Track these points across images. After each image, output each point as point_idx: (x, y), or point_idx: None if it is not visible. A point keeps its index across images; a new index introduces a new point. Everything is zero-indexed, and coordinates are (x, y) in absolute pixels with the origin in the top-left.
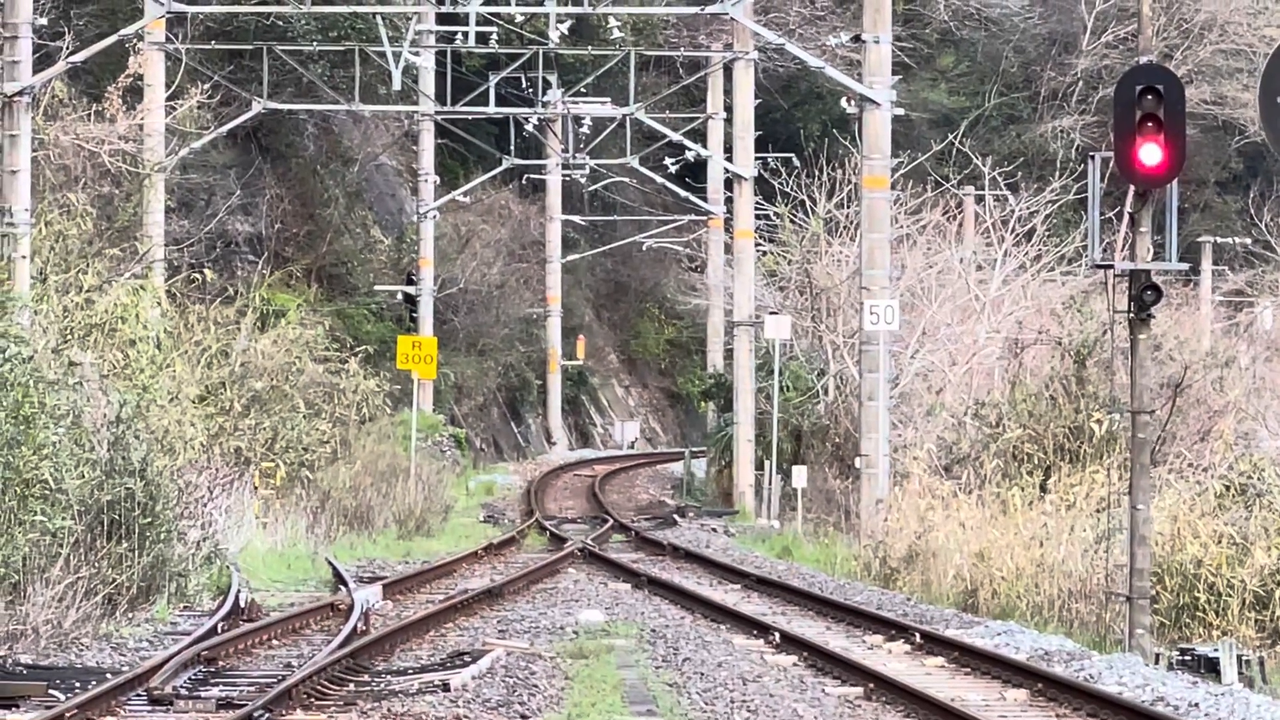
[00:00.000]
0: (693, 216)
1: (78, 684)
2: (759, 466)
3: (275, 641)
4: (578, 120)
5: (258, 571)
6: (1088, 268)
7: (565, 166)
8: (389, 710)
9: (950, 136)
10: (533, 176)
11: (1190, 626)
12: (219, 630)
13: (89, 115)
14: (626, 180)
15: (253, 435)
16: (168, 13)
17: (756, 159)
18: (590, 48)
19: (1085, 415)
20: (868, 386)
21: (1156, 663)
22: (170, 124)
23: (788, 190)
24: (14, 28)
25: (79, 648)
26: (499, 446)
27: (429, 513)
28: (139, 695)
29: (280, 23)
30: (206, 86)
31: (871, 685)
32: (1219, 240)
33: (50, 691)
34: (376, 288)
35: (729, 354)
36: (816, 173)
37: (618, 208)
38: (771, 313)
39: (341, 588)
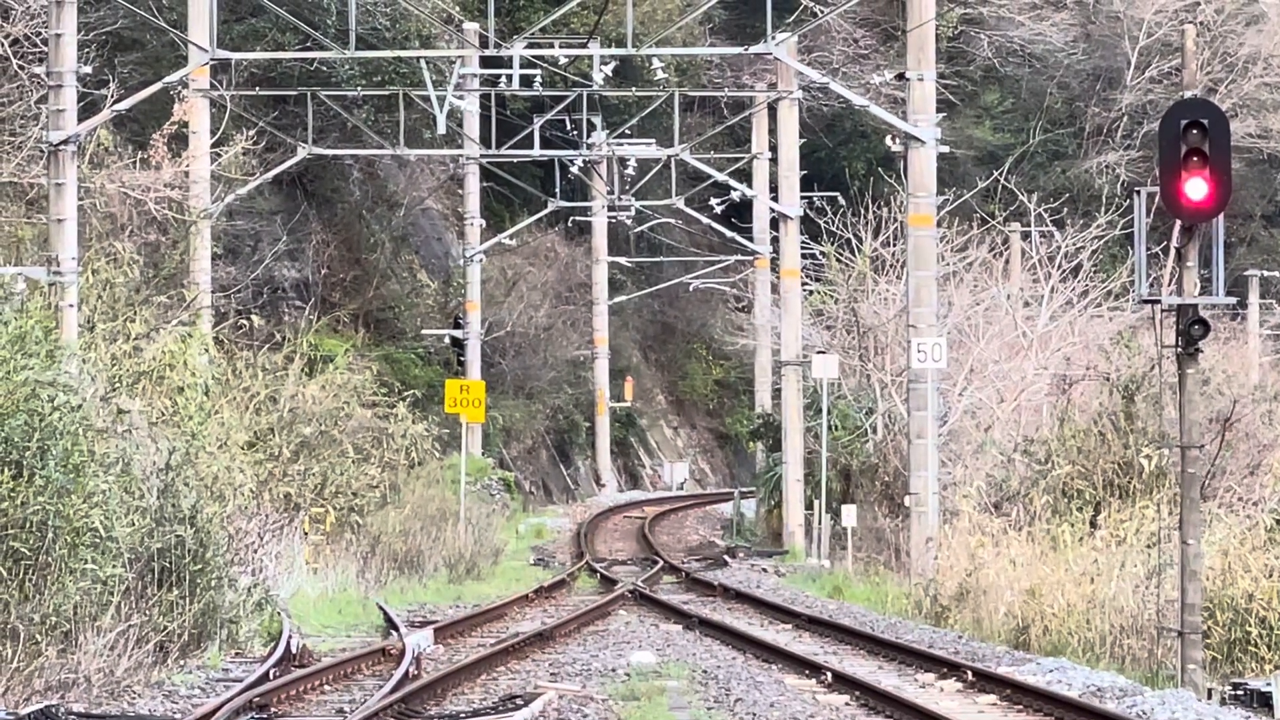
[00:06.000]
0: (739, 256)
1: None
2: (808, 506)
3: (327, 687)
4: (623, 161)
5: (308, 617)
6: (1135, 303)
7: (611, 208)
8: None
9: (995, 173)
10: (578, 218)
11: (1242, 661)
12: (271, 676)
13: (134, 163)
14: (672, 221)
15: (302, 481)
16: (212, 59)
17: (802, 198)
18: (634, 89)
19: (1134, 451)
20: (916, 424)
21: (1209, 698)
22: (216, 170)
23: (833, 229)
24: (58, 76)
25: (131, 696)
26: (548, 489)
27: (479, 556)
28: None
29: (324, 68)
30: (251, 133)
31: None
32: (1266, 274)
33: None
34: (424, 332)
35: (777, 394)
36: (862, 211)
37: (664, 249)
38: (819, 352)
39: (393, 632)
